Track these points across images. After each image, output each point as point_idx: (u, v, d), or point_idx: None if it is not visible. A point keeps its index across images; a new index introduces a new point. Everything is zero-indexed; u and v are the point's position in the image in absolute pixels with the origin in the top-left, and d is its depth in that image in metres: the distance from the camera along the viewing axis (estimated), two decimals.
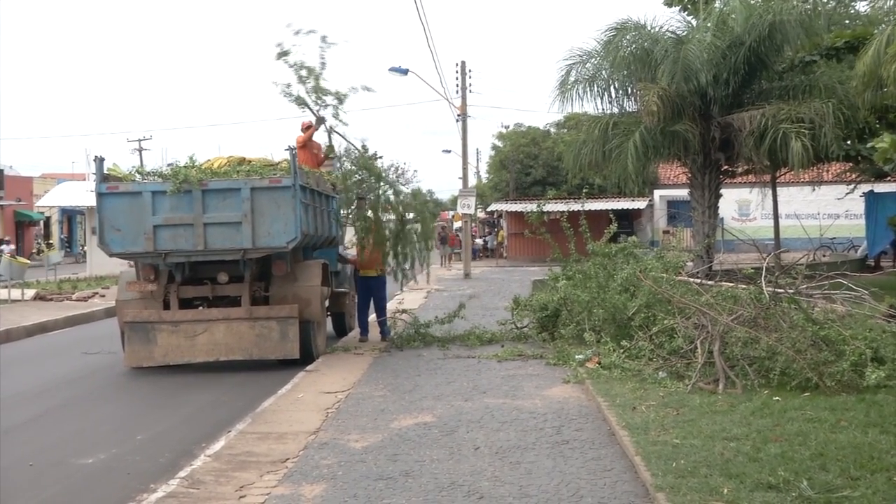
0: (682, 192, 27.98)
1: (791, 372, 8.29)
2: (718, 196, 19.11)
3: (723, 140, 17.80)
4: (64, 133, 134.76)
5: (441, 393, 9.04)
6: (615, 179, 18.89)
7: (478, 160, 64.55)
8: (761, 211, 33.86)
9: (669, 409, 7.54)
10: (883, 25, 13.52)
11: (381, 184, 13.03)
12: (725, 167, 19.22)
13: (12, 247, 37.01)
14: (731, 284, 10.77)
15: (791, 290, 9.94)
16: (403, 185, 13.41)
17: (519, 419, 7.73)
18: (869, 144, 15.94)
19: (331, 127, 13.09)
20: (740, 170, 20.36)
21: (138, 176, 11.49)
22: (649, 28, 18.30)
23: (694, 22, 19.28)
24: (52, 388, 10.54)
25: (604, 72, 18.70)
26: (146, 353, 11.17)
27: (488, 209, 46.91)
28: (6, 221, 45.92)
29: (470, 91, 32.50)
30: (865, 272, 19.82)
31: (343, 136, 13.34)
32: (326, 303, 12.91)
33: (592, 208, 27.13)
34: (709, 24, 17.61)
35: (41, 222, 50.88)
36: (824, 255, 26.33)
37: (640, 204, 36.92)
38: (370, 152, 13.31)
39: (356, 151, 13.36)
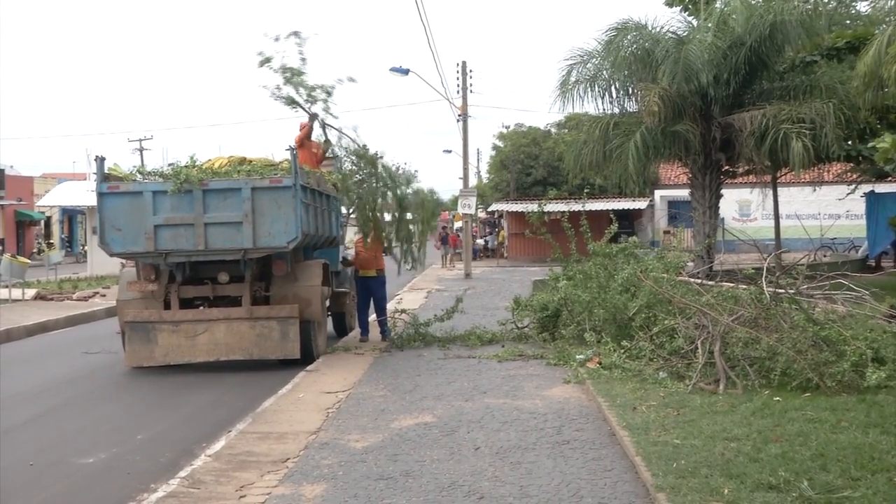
0: (683, 193, 27.97)
1: (792, 372, 8.29)
2: (719, 196, 19.11)
3: (723, 140, 17.80)
4: (65, 133, 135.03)
5: (441, 393, 9.04)
6: (616, 180, 18.89)
7: (478, 160, 64.71)
8: (762, 211, 33.84)
9: (670, 409, 7.54)
10: (884, 26, 13.51)
11: (375, 168, 12.96)
12: (726, 167, 19.22)
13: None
14: (731, 285, 10.77)
15: (792, 291, 9.94)
16: (401, 178, 13.34)
17: (519, 419, 7.72)
18: (870, 145, 15.92)
19: (322, 120, 13.11)
20: (741, 170, 20.35)
21: (139, 176, 11.49)
22: (650, 28, 18.30)
23: (695, 22, 19.27)
24: (52, 388, 10.55)
25: (605, 72, 18.69)
26: (147, 353, 11.17)
27: (489, 209, 46.93)
28: (7, 221, 45.92)
29: (471, 91, 32.51)
30: (866, 272, 19.78)
31: (337, 130, 13.35)
32: (327, 303, 12.91)
33: (593, 208, 27.10)
34: (710, 25, 17.60)
35: (42, 222, 50.87)
36: (825, 256, 26.31)
37: (641, 204, 36.91)
38: (372, 151, 13.29)
39: (348, 139, 13.35)
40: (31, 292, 21.12)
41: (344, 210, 14.00)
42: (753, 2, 18.23)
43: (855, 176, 24.01)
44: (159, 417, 8.88)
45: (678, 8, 21.53)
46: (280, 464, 6.59)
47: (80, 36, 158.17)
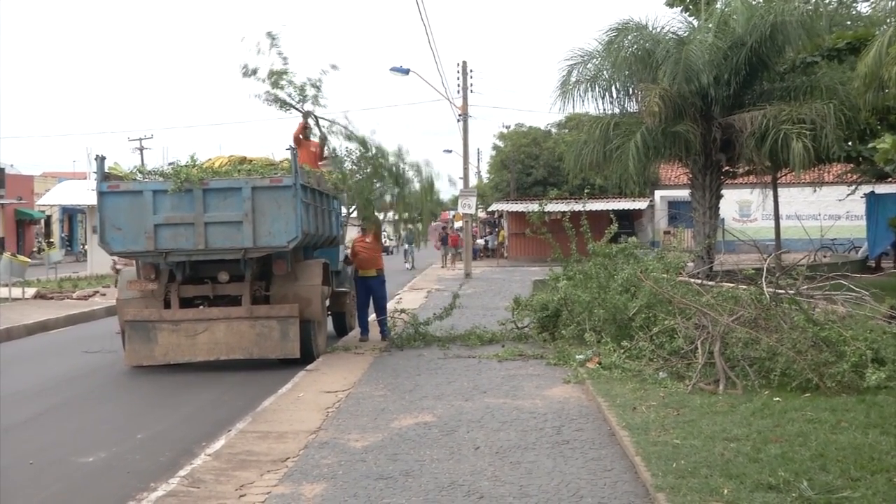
0: (683, 193, 27.97)
1: (791, 373, 8.29)
2: (719, 197, 19.10)
3: (724, 141, 17.79)
4: (65, 132, 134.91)
5: (441, 393, 9.04)
6: (616, 180, 18.86)
7: (479, 160, 64.70)
8: (762, 212, 33.86)
9: (670, 409, 7.54)
10: (884, 27, 13.51)
11: (367, 149, 12.88)
12: (726, 168, 19.20)
13: None
14: (731, 285, 10.77)
15: (792, 291, 9.95)
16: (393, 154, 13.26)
17: (519, 419, 7.73)
18: (870, 145, 15.91)
19: (315, 115, 13.05)
20: (741, 170, 20.33)
21: (139, 175, 11.49)
22: (651, 29, 18.28)
23: (695, 23, 19.26)
24: (52, 387, 10.55)
25: (605, 72, 18.66)
26: (147, 352, 11.18)
27: (489, 209, 46.91)
28: (7, 220, 45.93)
29: (471, 91, 32.48)
30: (866, 273, 19.81)
31: (329, 120, 13.30)
32: (327, 302, 12.91)
33: (593, 208, 27.11)
34: (710, 25, 17.60)
35: (42, 221, 50.91)
36: (825, 256, 26.30)
37: (641, 204, 36.92)
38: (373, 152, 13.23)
39: (340, 126, 13.26)
40: (31, 291, 21.14)
41: (344, 210, 13.99)
42: (754, 2, 18.23)
43: (855, 177, 24.02)
44: (159, 416, 8.88)
45: (679, 8, 21.53)
46: (280, 463, 6.59)
47: (79, 35, 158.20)
